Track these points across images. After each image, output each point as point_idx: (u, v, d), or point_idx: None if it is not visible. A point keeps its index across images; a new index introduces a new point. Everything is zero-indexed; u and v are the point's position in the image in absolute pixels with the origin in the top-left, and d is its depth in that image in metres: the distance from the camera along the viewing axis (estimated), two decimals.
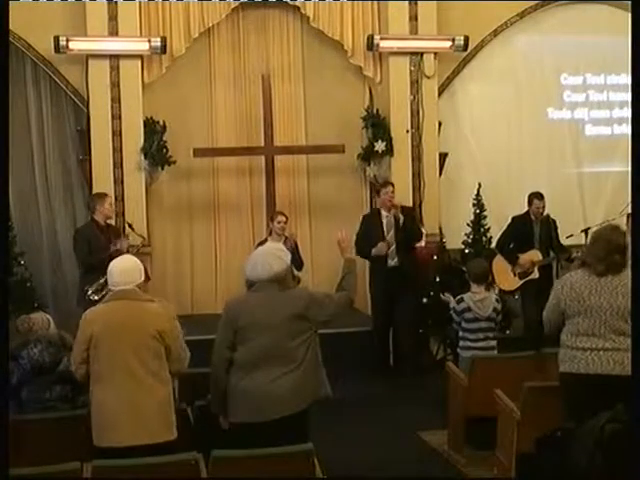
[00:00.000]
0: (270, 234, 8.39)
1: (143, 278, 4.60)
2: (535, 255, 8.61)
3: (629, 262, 4.78)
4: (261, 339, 4.53)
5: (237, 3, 9.17)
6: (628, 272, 4.76)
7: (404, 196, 8.98)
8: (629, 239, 4.91)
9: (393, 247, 8.36)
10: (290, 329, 4.57)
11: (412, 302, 8.58)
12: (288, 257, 4.72)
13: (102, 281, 7.60)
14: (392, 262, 8.38)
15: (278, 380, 4.51)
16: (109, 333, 4.40)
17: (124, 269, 4.55)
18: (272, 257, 4.63)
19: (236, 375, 4.56)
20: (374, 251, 8.30)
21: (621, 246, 4.81)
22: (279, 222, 8.32)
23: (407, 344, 8.51)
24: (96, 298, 7.45)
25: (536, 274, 8.58)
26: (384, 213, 8.45)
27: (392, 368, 8.36)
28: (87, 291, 7.63)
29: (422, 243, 8.76)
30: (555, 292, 4.92)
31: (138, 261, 4.68)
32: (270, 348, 4.53)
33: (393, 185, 8.63)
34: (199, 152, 9.03)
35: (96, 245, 7.82)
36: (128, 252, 7.30)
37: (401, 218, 8.33)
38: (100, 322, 4.46)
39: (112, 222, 8.30)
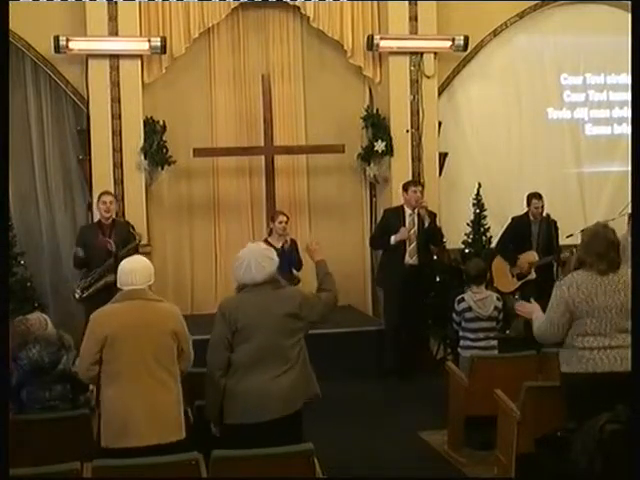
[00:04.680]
0: (270, 234, 8.38)
1: (153, 279, 4.61)
2: (531, 256, 8.62)
3: (627, 262, 4.78)
4: (259, 339, 4.53)
5: (237, 3, 9.16)
6: (625, 269, 4.76)
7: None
8: (629, 239, 4.92)
9: (413, 245, 8.37)
10: (285, 328, 4.58)
11: (423, 302, 8.61)
12: (275, 255, 4.72)
13: (89, 279, 7.69)
14: (410, 260, 8.39)
15: (277, 379, 4.52)
16: (126, 333, 4.40)
17: (136, 269, 4.56)
18: (264, 258, 4.62)
19: (234, 376, 4.55)
20: (395, 237, 8.30)
21: (616, 242, 4.82)
22: (280, 222, 8.30)
23: (411, 344, 8.50)
24: (80, 296, 7.55)
25: (533, 275, 8.60)
26: (407, 211, 8.45)
27: (392, 368, 8.34)
28: (74, 289, 7.81)
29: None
30: (560, 295, 4.79)
31: (148, 261, 4.70)
32: (268, 348, 4.53)
33: (422, 184, 8.66)
34: (199, 152, 9.02)
35: (89, 244, 7.92)
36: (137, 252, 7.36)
37: (427, 219, 8.35)
38: (114, 322, 4.46)
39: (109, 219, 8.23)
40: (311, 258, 5.04)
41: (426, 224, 8.38)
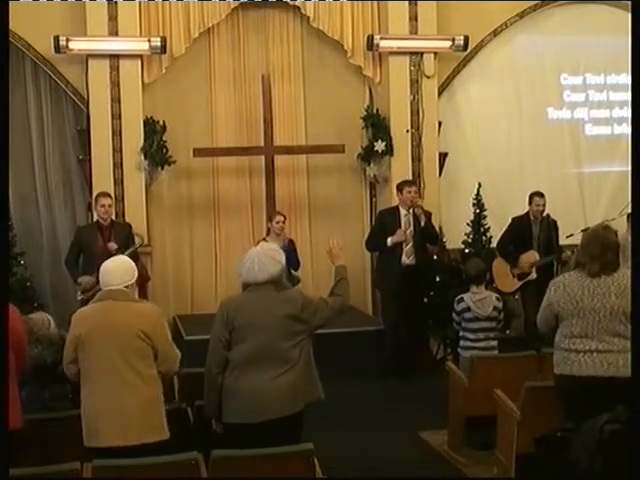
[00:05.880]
0: (268, 234, 8.40)
1: (134, 279, 4.57)
2: (532, 256, 8.62)
3: (627, 262, 4.77)
4: (256, 339, 4.53)
5: (237, 3, 9.17)
6: (621, 272, 4.73)
7: None
8: (629, 239, 4.91)
9: (410, 245, 8.37)
10: (285, 330, 4.56)
11: (422, 302, 8.60)
12: (283, 257, 4.71)
13: (91, 282, 7.70)
14: (407, 260, 8.38)
15: (273, 381, 4.50)
16: (95, 333, 4.40)
17: (113, 269, 4.54)
18: (267, 258, 4.61)
19: (231, 375, 4.55)
20: (392, 239, 8.28)
21: (614, 245, 4.78)
22: (277, 222, 8.32)
23: (411, 344, 8.49)
24: (82, 297, 7.56)
25: (534, 275, 8.60)
26: (403, 211, 8.45)
27: (392, 368, 8.34)
28: (77, 291, 7.83)
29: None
30: (548, 295, 4.87)
31: (130, 262, 4.67)
32: (265, 348, 4.52)
33: (417, 184, 8.64)
34: (199, 152, 9.03)
35: (87, 244, 7.93)
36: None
37: (423, 218, 8.34)
38: (86, 323, 4.47)
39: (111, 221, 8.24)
40: (331, 261, 5.00)
41: (422, 224, 8.38)
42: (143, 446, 4.27)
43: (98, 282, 7.42)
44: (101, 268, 4.59)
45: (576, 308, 4.72)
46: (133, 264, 4.65)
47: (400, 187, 8.53)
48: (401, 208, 8.47)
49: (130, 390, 4.37)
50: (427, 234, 8.47)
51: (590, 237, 4.84)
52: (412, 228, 8.40)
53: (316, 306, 4.68)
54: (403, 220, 8.43)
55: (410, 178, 9.06)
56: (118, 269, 4.55)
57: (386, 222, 8.49)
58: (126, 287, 4.51)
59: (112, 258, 4.80)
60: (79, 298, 7.71)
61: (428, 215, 8.47)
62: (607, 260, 4.73)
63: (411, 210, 8.41)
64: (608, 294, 4.69)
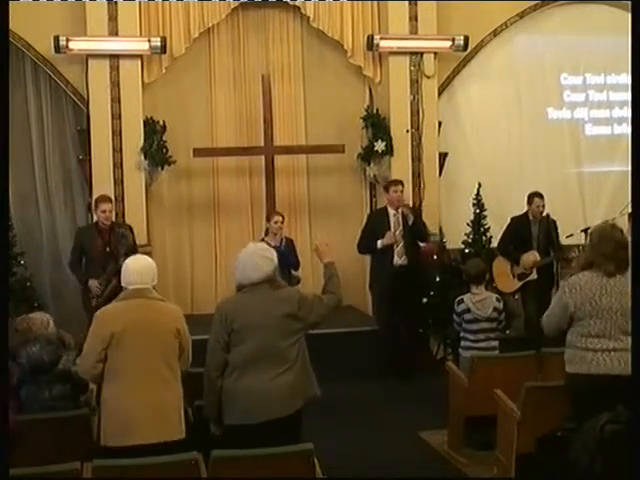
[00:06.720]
0: (267, 234, 8.40)
1: (157, 279, 4.65)
2: (533, 256, 8.61)
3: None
4: (255, 339, 4.53)
5: (237, 3, 9.17)
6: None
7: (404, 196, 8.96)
8: (629, 238, 4.91)
9: (401, 246, 8.36)
10: (283, 329, 4.57)
11: (417, 302, 8.59)
12: (275, 255, 4.72)
13: (100, 286, 7.70)
14: (399, 261, 8.37)
15: (275, 380, 4.51)
16: (132, 331, 4.43)
17: (141, 268, 4.60)
18: (260, 258, 4.62)
19: (231, 376, 4.55)
20: (382, 241, 8.28)
21: (625, 243, 4.78)
22: (276, 222, 8.33)
23: (411, 344, 8.49)
24: (97, 302, 7.54)
25: (534, 275, 8.59)
26: (391, 211, 8.44)
27: (392, 368, 8.33)
28: (90, 297, 7.83)
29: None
30: (563, 295, 4.82)
31: (152, 261, 4.73)
32: (264, 348, 4.53)
33: (403, 184, 8.65)
34: (199, 152, 9.03)
35: (88, 246, 7.93)
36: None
37: (411, 217, 8.33)
38: (120, 320, 4.48)
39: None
40: (319, 259, 5.04)
41: (410, 222, 8.37)
42: (170, 444, 4.34)
43: (106, 285, 7.56)
44: (125, 267, 4.63)
45: (594, 309, 4.71)
46: (154, 263, 4.72)
47: (386, 187, 8.55)
48: (389, 208, 8.47)
49: (168, 387, 4.45)
50: (415, 232, 8.45)
51: (600, 236, 4.82)
52: (401, 228, 8.40)
53: (311, 303, 4.70)
54: (392, 220, 8.42)
55: (410, 178, 9.06)
56: (144, 268, 4.61)
57: (375, 223, 8.49)
58: (153, 287, 4.60)
59: (134, 257, 4.84)
60: (94, 304, 7.66)
61: (417, 213, 8.46)
62: (620, 258, 4.73)
63: (399, 210, 8.40)
64: (623, 293, 4.70)
